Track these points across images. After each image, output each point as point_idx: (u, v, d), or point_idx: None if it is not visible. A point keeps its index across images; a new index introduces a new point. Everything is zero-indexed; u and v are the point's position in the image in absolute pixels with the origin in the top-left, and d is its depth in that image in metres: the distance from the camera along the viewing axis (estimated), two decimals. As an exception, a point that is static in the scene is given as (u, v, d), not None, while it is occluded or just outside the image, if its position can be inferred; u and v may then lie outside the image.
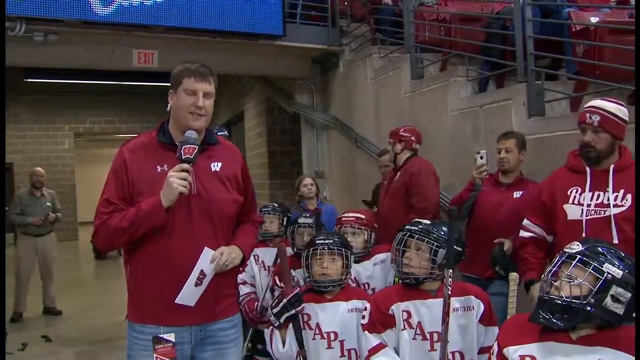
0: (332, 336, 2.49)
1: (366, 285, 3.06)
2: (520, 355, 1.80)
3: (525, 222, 2.94)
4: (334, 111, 7.58)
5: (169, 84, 2.28)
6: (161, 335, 2.15)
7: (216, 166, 2.28)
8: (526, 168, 3.75)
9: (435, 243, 2.23)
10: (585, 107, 2.68)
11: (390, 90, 6.10)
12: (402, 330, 2.23)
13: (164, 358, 2.13)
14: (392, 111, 6.03)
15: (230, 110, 12.73)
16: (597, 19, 4.35)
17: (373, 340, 2.25)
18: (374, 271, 3.05)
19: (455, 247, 2.19)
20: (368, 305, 2.35)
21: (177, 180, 2.07)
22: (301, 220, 3.56)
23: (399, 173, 4.32)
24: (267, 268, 3.73)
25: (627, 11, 4.65)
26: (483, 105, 4.63)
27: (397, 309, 2.25)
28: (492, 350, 1.94)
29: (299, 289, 2.32)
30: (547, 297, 1.75)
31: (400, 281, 2.41)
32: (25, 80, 11.05)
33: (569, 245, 1.80)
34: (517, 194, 3.58)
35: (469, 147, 4.63)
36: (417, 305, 2.26)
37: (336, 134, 7.47)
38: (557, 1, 4.61)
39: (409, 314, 2.25)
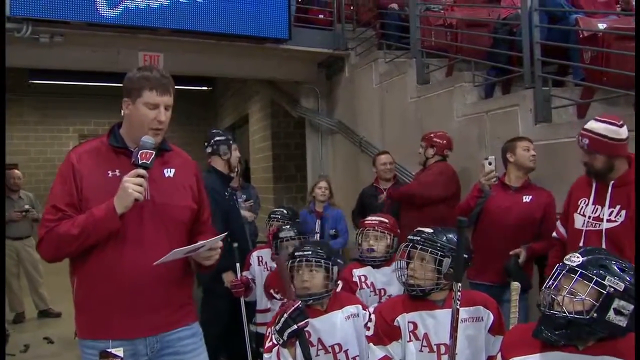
0: (337, 348, 2.42)
1: (382, 291, 3.01)
2: None
3: (557, 222, 3.16)
4: (338, 115, 7.56)
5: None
6: (109, 350, 2.05)
7: (169, 172, 2.20)
8: (533, 174, 3.74)
9: (440, 252, 2.16)
10: (581, 130, 2.83)
11: (395, 95, 6.08)
12: (408, 342, 2.16)
13: None
14: (398, 116, 6.02)
15: (234, 114, 12.75)
16: (605, 25, 4.34)
17: (378, 352, 2.18)
18: (392, 278, 2.97)
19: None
20: (373, 315, 2.27)
21: (132, 185, 1.98)
22: (282, 234, 3.52)
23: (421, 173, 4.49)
24: (269, 269, 3.77)
25: (634, 18, 4.63)
26: (489, 111, 4.61)
27: (403, 320, 2.18)
28: None
29: (300, 302, 2.18)
30: (550, 313, 1.71)
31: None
32: (30, 81, 11.06)
33: (568, 256, 1.77)
34: (526, 198, 3.60)
35: (474, 153, 4.62)
36: (424, 316, 2.18)
37: (341, 138, 7.46)
38: (564, 7, 4.60)
39: (415, 325, 2.17)
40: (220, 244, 2.18)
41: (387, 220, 3.21)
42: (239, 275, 3.73)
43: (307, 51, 7.16)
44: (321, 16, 7.43)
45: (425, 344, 2.15)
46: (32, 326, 6.41)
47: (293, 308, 2.13)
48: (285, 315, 2.12)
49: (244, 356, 3.65)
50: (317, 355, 2.38)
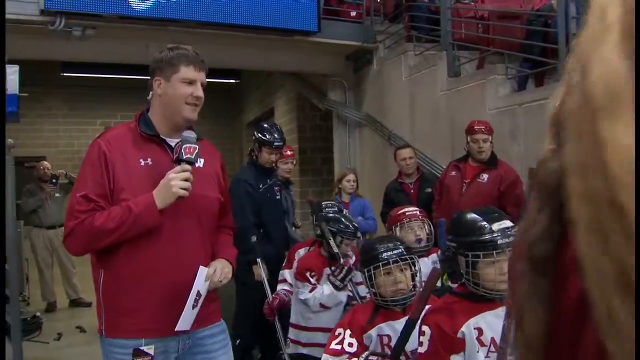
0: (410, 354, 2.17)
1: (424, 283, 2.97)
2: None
3: None
4: (366, 108, 7.53)
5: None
6: (142, 348, 1.96)
7: (199, 163, 2.09)
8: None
9: None
10: None
11: (425, 88, 6.04)
12: (477, 352, 1.88)
13: None
14: (428, 109, 5.97)
15: (260, 107, 12.76)
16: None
17: None
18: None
19: None
20: (426, 328, 1.94)
21: (179, 183, 1.91)
22: (347, 230, 3.31)
23: (487, 174, 4.10)
24: None
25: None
26: (522, 104, 4.56)
27: (468, 328, 1.89)
28: None
29: None
30: None
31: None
32: (61, 74, 11.19)
33: None
34: None
35: (507, 146, 4.56)
36: (487, 318, 1.90)
37: (368, 131, 7.43)
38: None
39: (481, 331, 1.89)
40: (213, 272, 2.07)
41: (419, 209, 3.22)
42: (262, 269, 3.70)
43: (335, 44, 7.13)
44: (353, 13, 7.37)
45: (492, 349, 1.89)
46: (64, 315, 6.52)
47: None
48: None
49: (278, 348, 3.66)
50: None
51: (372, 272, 2.21)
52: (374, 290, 2.22)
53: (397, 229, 3.09)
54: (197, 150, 1.99)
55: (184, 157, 1.96)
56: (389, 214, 3.32)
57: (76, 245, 2.01)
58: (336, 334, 2.18)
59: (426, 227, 3.08)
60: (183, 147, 1.97)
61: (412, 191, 4.85)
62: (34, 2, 5.50)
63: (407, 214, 3.14)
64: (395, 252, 2.24)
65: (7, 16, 5.26)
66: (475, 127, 4.19)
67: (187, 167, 1.96)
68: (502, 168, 4.10)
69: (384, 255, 2.23)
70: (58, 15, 5.66)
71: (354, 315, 2.23)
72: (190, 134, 2.02)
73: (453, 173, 4.34)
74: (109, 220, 1.91)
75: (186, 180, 1.94)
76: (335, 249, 3.14)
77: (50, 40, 5.92)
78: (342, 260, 3.10)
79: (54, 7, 5.57)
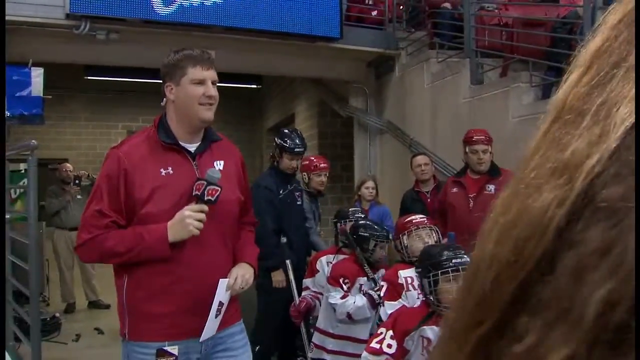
0: None
1: None
2: None
3: None
4: (388, 115, 7.48)
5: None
6: (165, 348, 2.00)
7: (219, 165, 2.10)
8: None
9: None
10: None
11: (448, 95, 5.99)
12: None
13: None
14: (450, 117, 5.92)
15: (280, 113, 12.78)
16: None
17: None
18: None
19: None
20: None
21: (194, 222, 1.92)
22: (381, 234, 3.33)
23: (492, 184, 3.83)
24: None
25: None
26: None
27: None
28: None
29: None
30: None
31: None
32: (84, 78, 11.31)
33: None
34: None
35: (531, 155, 4.50)
36: None
37: (390, 138, 7.38)
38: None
39: None
40: (234, 282, 2.09)
41: (426, 216, 3.19)
42: (290, 272, 3.70)
43: (357, 50, 7.11)
44: (374, 13, 7.35)
45: None
46: (82, 316, 6.55)
47: None
48: None
49: (296, 355, 3.63)
50: None
51: (439, 277, 2.19)
52: (432, 296, 2.19)
53: (405, 237, 3.01)
54: (218, 193, 1.98)
55: (205, 198, 1.96)
56: (396, 223, 3.28)
57: (87, 257, 2.14)
58: (378, 332, 2.20)
59: (434, 234, 3.02)
60: (207, 188, 1.96)
61: (428, 200, 4.79)
62: (60, 6, 5.57)
63: (414, 221, 3.07)
64: (463, 260, 2.20)
65: (33, 20, 5.42)
66: (475, 137, 3.99)
67: (205, 208, 1.97)
68: (507, 175, 3.97)
69: (454, 261, 2.20)
70: (83, 19, 5.72)
71: (399, 318, 2.22)
72: (214, 173, 2.01)
73: (455, 190, 4.11)
74: (119, 243, 1.95)
75: (200, 220, 1.95)
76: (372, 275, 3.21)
77: (74, 44, 5.99)
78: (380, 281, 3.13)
79: (80, 12, 5.64)
